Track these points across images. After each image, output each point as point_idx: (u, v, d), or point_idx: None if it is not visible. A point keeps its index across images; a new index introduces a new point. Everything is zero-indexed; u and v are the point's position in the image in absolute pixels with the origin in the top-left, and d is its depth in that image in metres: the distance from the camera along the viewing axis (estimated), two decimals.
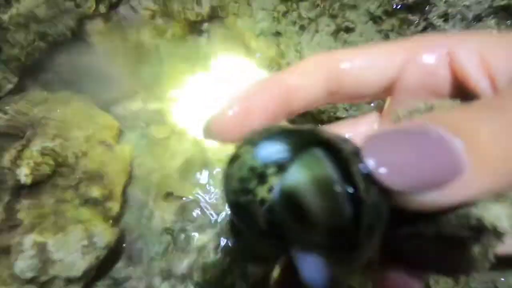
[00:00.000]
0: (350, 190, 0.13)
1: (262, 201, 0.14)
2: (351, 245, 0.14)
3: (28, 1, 0.50)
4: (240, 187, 0.15)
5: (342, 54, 0.19)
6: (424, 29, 0.52)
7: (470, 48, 0.17)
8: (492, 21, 0.52)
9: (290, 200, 0.14)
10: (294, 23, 0.59)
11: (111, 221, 0.51)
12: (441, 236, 0.15)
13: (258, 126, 0.18)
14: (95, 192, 0.48)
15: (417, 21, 0.53)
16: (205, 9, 0.66)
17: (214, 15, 0.68)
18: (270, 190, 0.14)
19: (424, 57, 0.18)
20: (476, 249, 0.15)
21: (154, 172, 0.63)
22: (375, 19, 0.57)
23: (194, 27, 0.70)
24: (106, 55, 0.62)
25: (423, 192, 0.12)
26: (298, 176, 0.14)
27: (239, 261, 0.57)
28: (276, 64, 0.60)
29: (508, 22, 0.52)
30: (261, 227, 0.15)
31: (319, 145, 0.15)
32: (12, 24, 0.49)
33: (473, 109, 0.14)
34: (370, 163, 0.13)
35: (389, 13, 0.56)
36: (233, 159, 0.16)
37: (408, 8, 0.54)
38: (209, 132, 0.19)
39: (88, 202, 0.47)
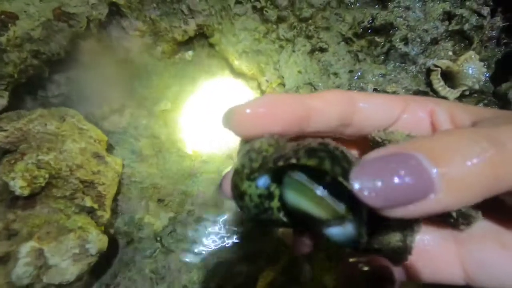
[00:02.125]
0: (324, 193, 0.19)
1: (279, 209, 0.20)
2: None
3: (25, 24, 0.54)
4: (259, 210, 0.20)
5: (360, 95, 0.23)
6: (388, 51, 0.58)
7: (443, 107, 0.23)
8: (448, 44, 0.58)
9: (293, 208, 0.20)
10: (274, 42, 0.64)
11: (103, 229, 0.54)
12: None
13: (272, 131, 0.20)
14: (88, 201, 0.51)
15: (382, 43, 0.59)
16: (191, 28, 0.71)
17: (200, 34, 0.73)
18: (279, 199, 0.20)
19: (417, 109, 0.23)
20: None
21: (144, 182, 0.66)
22: (346, 40, 0.63)
23: (181, 45, 0.74)
24: (97, 72, 0.66)
25: (398, 207, 0.15)
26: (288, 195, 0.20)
27: (226, 262, 0.61)
28: (256, 80, 0.64)
29: (462, 44, 0.58)
30: (285, 223, 0.21)
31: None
32: (9, 45, 0.52)
33: (450, 139, 0.16)
34: (355, 186, 0.15)
35: (359, 35, 0.61)
36: (242, 196, 0.20)
37: (375, 31, 0.60)
38: (229, 121, 0.20)
39: (81, 211, 0.50)
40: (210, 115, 0.71)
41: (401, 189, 0.15)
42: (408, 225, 0.21)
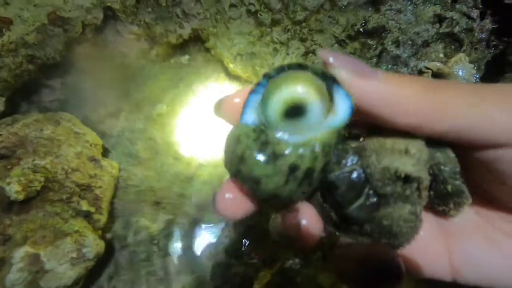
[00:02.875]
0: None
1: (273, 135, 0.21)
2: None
3: (19, 29, 0.54)
4: (259, 144, 0.21)
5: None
6: (381, 53, 0.59)
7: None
8: (440, 46, 0.59)
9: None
10: (268, 46, 0.65)
11: (100, 232, 0.54)
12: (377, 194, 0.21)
13: None
14: (84, 205, 0.51)
15: (375, 45, 0.60)
16: (186, 32, 0.71)
17: (195, 38, 0.73)
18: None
19: None
20: (407, 208, 0.21)
21: (141, 185, 0.66)
22: (340, 43, 0.63)
23: (177, 49, 0.75)
24: (93, 76, 0.66)
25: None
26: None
27: (223, 264, 0.61)
28: (251, 83, 0.65)
29: (453, 46, 0.59)
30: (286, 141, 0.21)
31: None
32: (4, 50, 0.52)
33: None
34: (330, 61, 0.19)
35: (352, 38, 0.62)
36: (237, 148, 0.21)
37: (368, 34, 0.61)
38: (219, 110, 0.23)
39: (78, 214, 0.50)
40: (206, 118, 0.71)
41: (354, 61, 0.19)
42: (411, 194, 0.21)
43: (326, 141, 0.20)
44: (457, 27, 0.57)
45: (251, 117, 0.21)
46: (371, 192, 0.21)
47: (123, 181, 0.65)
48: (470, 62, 0.56)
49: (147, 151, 0.69)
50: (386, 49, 0.58)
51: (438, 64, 0.56)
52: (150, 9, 0.71)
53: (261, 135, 0.21)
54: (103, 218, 0.52)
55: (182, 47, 0.74)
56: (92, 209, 0.52)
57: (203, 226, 0.64)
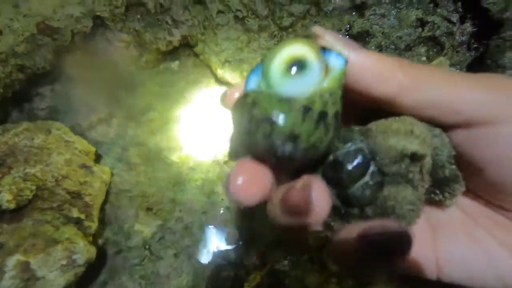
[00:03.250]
0: None
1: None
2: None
3: (9, 39, 0.55)
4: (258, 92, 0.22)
5: None
6: None
7: None
8: (422, 49, 0.61)
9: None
10: (256, 51, 0.66)
11: (91, 239, 0.55)
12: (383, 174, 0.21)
13: None
14: (75, 212, 0.52)
15: None
16: (176, 39, 0.72)
17: (185, 44, 0.74)
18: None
19: None
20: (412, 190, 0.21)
21: (133, 190, 0.67)
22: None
23: (167, 55, 0.76)
24: (84, 84, 0.67)
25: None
26: None
27: (214, 267, 0.62)
28: None
29: (435, 49, 0.61)
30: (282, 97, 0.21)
31: None
32: None
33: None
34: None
35: None
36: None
37: (353, 38, 0.63)
38: (224, 101, 0.24)
39: (69, 222, 0.51)
40: (196, 122, 0.72)
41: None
42: (414, 176, 0.21)
43: (331, 88, 0.21)
44: (438, 30, 0.58)
45: (253, 85, 0.22)
46: (375, 170, 0.21)
47: (115, 187, 0.65)
48: (452, 65, 0.57)
49: (138, 157, 0.69)
50: None
51: None
52: (139, 17, 0.72)
53: (267, 93, 0.21)
54: (94, 225, 0.53)
55: (172, 53, 0.75)
56: (83, 216, 0.52)
57: (195, 230, 0.65)
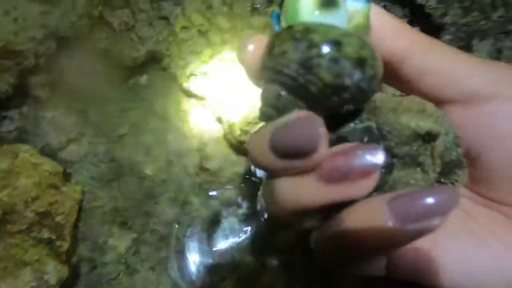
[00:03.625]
0: None
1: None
2: None
3: None
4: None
5: None
6: None
7: None
8: None
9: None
10: (219, 64, 0.68)
11: (63, 257, 0.56)
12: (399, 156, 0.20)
13: None
14: (45, 233, 0.52)
15: None
16: (142, 54, 0.74)
17: (152, 58, 0.76)
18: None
19: None
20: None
21: (106, 206, 0.68)
22: None
23: (135, 70, 0.77)
24: (51, 104, 0.68)
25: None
26: None
27: (188, 278, 0.63)
28: (205, 100, 0.68)
29: None
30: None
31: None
32: None
33: None
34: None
35: None
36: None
37: None
38: (246, 52, 0.22)
39: (39, 243, 0.51)
40: (167, 135, 0.74)
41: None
42: (425, 160, 0.20)
43: (363, 25, 0.20)
44: None
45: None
46: (385, 151, 0.20)
47: (88, 204, 0.66)
48: None
49: (111, 173, 0.70)
50: None
51: None
52: (104, 34, 0.73)
53: (294, 26, 0.19)
54: (66, 244, 0.54)
55: (140, 67, 0.77)
56: (54, 236, 0.53)
57: (170, 242, 0.66)
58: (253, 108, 0.62)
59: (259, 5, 0.67)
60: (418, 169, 0.20)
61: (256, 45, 0.21)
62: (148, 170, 0.72)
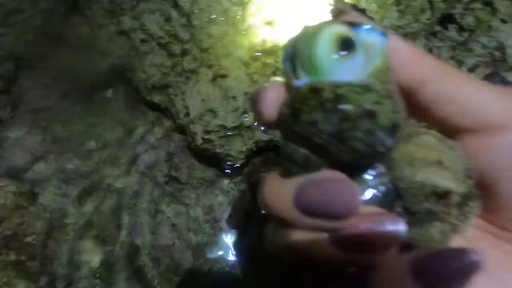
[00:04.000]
0: None
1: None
2: None
3: None
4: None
5: None
6: (276, 70, 0.66)
7: None
8: None
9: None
10: (180, 75, 0.70)
11: (36, 277, 0.56)
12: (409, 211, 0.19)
13: None
14: (13, 255, 0.53)
15: (272, 63, 0.67)
16: (104, 70, 0.75)
17: (115, 73, 0.77)
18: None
19: None
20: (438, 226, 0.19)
21: (78, 222, 0.69)
22: (245, 64, 0.70)
23: (100, 85, 0.78)
24: (13, 125, 0.68)
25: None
26: None
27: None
28: (168, 112, 0.70)
29: None
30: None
31: None
32: None
33: None
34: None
35: (254, 58, 0.69)
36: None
37: (267, 53, 0.68)
38: (260, 108, 0.21)
39: (7, 265, 0.52)
40: (134, 147, 0.75)
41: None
42: (441, 211, 0.19)
43: (384, 65, 0.19)
44: None
45: (301, 79, 0.19)
46: (400, 210, 0.19)
47: (59, 221, 0.67)
48: None
49: (80, 188, 0.71)
50: (279, 68, 0.65)
51: None
52: (64, 52, 0.73)
53: (321, 91, 0.18)
54: (35, 264, 0.54)
55: (104, 82, 0.77)
56: (23, 257, 0.54)
57: (144, 252, 0.68)
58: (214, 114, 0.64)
59: (214, 16, 0.70)
60: (433, 222, 0.19)
61: (273, 96, 0.21)
62: (119, 183, 0.72)
